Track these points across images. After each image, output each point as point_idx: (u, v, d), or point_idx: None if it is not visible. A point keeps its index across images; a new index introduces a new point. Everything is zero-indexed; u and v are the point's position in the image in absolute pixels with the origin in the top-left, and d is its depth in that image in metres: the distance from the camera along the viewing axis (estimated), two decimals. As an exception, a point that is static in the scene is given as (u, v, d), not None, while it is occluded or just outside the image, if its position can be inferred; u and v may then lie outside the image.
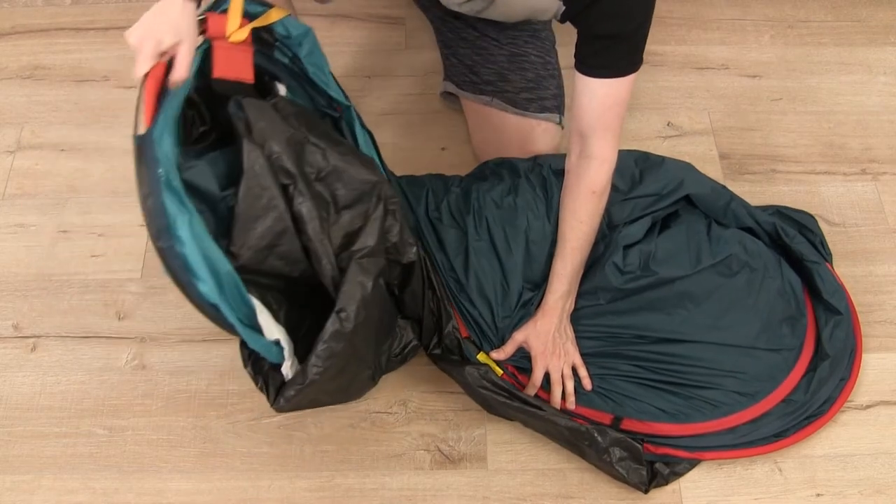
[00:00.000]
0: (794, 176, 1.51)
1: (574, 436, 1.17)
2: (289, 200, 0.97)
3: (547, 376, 1.22)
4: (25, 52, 1.68)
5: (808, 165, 1.52)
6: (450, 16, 1.47)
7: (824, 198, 1.48)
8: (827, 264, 1.32)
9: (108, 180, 1.51)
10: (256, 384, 1.06)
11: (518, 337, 1.23)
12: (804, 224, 1.36)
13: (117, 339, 1.35)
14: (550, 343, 1.21)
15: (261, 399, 1.28)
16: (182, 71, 0.91)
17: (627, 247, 1.27)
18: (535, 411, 1.17)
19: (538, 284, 1.26)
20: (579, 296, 1.26)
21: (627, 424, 1.21)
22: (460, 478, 1.22)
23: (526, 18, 1.33)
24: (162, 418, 1.27)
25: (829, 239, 1.39)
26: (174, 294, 1.38)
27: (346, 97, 1.10)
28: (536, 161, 1.35)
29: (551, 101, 1.40)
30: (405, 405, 1.28)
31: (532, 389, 1.22)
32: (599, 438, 1.16)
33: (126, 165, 1.52)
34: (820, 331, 1.26)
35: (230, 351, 1.33)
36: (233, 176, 0.99)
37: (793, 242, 1.31)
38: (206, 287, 0.90)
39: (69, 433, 1.26)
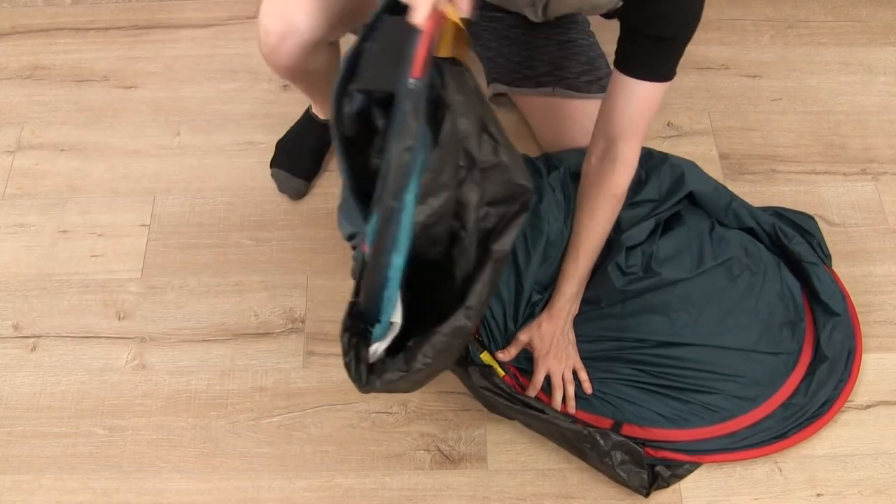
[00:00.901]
0: (794, 176, 1.51)
1: (576, 438, 1.17)
2: (458, 183, 0.92)
3: (548, 378, 1.22)
4: (25, 52, 1.68)
5: (808, 165, 1.52)
6: (485, 20, 1.46)
7: (824, 198, 1.48)
8: (825, 266, 1.32)
9: (108, 180, 1.51)
10: (345, 357, 0.99)
11: (522, 338, 1.23)
12: (803, 226, 1.36)
13: (117, 339, 1.35)
14: (553, 346, 1.21)
15: (261, 399, 1.28)
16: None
17: (630, 248, 1.27)
18: (537, 414, 1.17)
19: (546, 287, 1.26)
20: (582, 300, 1.26)
21: (627, 429, 1.21)
22: (460, 478, 1.22)
23: (576, 10, 1.32)
24: (162, 418, 1.27)
25: (828, 239, 1.39)
26: (174, 294, 1.39)
27: None
28: (551, 162, 1.34)
29: (607, 80, 1.40)
30: (405, 405, 1.28)
31: (533, 391, 1.22)
32: (601, 441, 1.16)
33: (126, 165, 1.52)
34: (818, 333, 1.26)
35: (230, 351, 1.33)
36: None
37: (791, 244, 1.31)
38: (399, 259, 0.86)
39: (69, 433, 1.26)
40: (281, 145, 1.48)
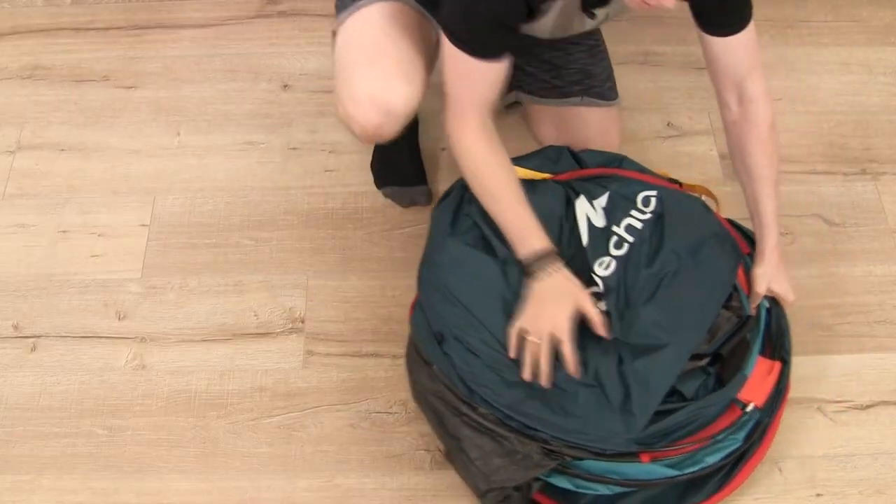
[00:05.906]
0: (794, 176, 1.51)
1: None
2: None
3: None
4: (25, 52, 1.68)
5: (808, 165, 1.52)
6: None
7: (824, 198, 1.48)
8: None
9: (107, 180, 1.51)
10: None
11: (774, 288, 1.20)
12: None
13: (117, 339, 1.35)
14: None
15: (261, 399, 1.29)
16: None
17: None
18: None
19: None
20: None
21: None
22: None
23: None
24: (162, 418, 1.27)
25: (828, 239, 1.39)
26: (174, 294, 1.39)
27: None
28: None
29: (614, 83, 1.42)
30: (405, 405, 1.28)
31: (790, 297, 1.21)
32: None
33: (126, 165, 1.52)
34: None
35: (230, 351, 1.33)
36: None
37: None
38: None
39: (69, 433, 1.26)
40: (376, 164, 1.46)
